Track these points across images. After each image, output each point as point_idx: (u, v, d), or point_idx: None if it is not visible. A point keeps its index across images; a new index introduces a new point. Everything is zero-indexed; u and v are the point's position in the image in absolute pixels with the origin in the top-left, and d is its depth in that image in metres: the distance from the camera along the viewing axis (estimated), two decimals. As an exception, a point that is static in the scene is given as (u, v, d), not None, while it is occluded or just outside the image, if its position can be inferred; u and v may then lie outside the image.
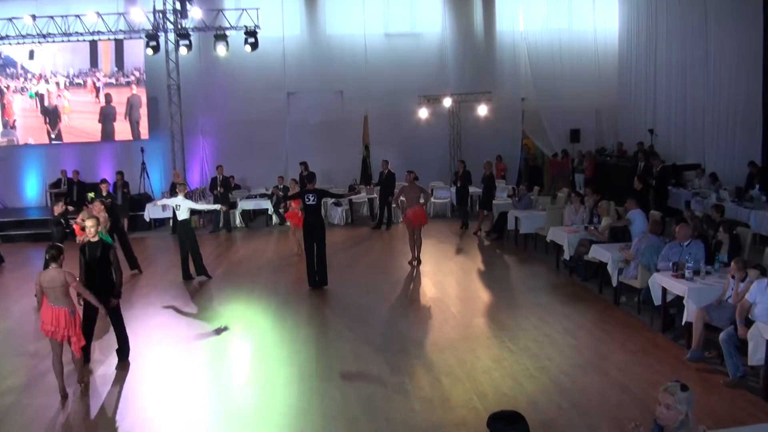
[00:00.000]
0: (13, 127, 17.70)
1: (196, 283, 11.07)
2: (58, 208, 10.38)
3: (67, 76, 17.59)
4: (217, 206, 12.25)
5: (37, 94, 17.54)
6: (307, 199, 10.30)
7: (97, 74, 17.67)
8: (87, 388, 6.70)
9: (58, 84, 17.56)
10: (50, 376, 6.80)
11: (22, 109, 17.63)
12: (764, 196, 12.67)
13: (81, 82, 17.65)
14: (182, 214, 10.96)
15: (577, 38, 19.54)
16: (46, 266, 6.57)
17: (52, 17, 16.16)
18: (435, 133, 19.04)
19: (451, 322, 8.56)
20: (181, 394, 6.60)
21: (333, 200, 15.75)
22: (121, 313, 7.49)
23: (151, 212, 16.15)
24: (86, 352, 7.26)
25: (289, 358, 7.53)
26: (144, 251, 13.45)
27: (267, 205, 16.41)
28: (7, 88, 17.50)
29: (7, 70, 17.50)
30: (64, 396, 6.47)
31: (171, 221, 15.94)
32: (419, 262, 11.72)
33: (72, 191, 16.53)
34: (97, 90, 17.68)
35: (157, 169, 18.21)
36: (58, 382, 6.47)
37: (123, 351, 7.45)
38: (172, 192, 15.60)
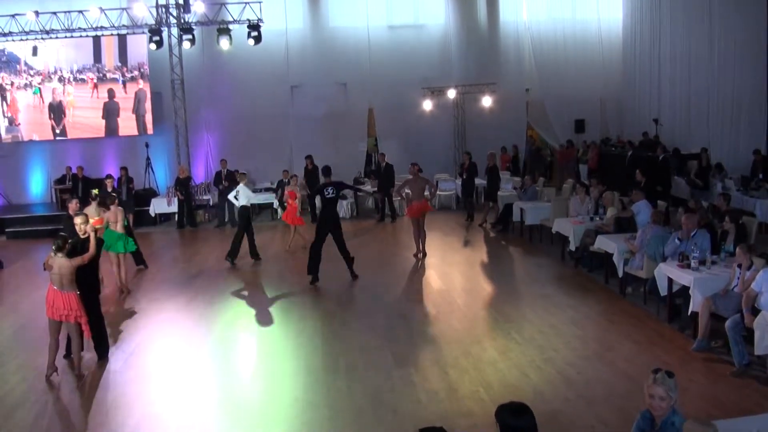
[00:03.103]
0: (18, 123, 17.72)
1: (203, 278, 11.11)
2: (73, 206, 10.37)
3: (71, 72, 17.58)
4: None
5: (41, 90, 17.54)
6: (326, 193, 10.24)
7: (101, 69, 17.66)
8: (81, 378, 6.86)
9: (61, 80, 17.56)
10: (59, 371, 6.86)
11: (26, 105, 17.62)
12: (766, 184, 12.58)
13: (84, 77, 17.64)
14: (241, 201, 11.83)
15: (581, 28, 19.44)
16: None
17: (54, 13, 16.15)
18: (439, 125, 19.01)
19: (457, 314, 8.57)
20: (188, 389, 6.63)
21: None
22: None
23: (156, 207, 16.20)
24: (103, 347, 7.39)
25: (295, 350, 7.56)
26: (150, 246, 13.48)
27: (272, 198, 16.42)
28: (12, 84, 17.51)
29: (17, 66, 17.47)
30: (54, 370, 6.81)
31: (176, 216, 15.99)
32: (424, 255, 11.72)
33: (77, 187, 16.56)
34: (96, 85, 17.67)
35: (162, 164, 18.22)
36: (49, 358, 6.79)
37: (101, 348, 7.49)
38: (178, 186, 15.67)
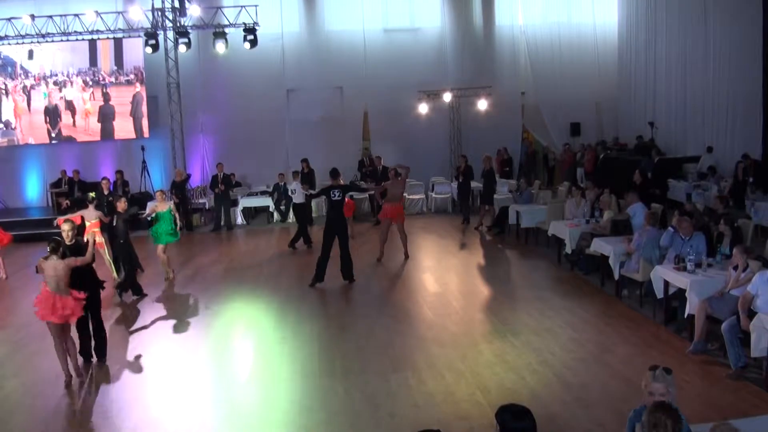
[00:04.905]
0: (14, 127, 17.69)
1: (199, 281, 11.11)
2: (122, 204, 10.28)
3: (67, 76, 17.56)
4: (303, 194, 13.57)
5: (28, 91, 17.51)
6: (333, 195, 10.24)
7: (97, 73, 17.64)
8: (83, 382, 6.83)
9: (57, 84, 17.54)
10: (55, 376, 6.84)
11: (22, 109, 17.60)
12: (758, 191, 12.52)
13: (80, 81, 17.62)
14: (299, 198, 13.30)
15: (577, 31, 19.50)
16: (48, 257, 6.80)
17: (51, 17, 16.13)
18: (435, 129, 19.02)
19: (454, 317, 8.57)
20: (185, 393, 6.62)
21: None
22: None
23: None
24: (102, 351, 7.40)
25: (292, 354, 7.55)
26: (145, 250, 13.43)
27: (268, 202, 16.40)
28: (14, 88, 17.48)
29: (18, 71, 17.42)
30: (70, 377, 6.73)
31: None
32: (407, 257, 11.85)
33: (73, 191, 16.50)
34: (90, 87, 17.65)
35: (158, 167, 18.19)
36: (62, 365, 6.72)
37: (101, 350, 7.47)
38: (175, 190, 15.62)
